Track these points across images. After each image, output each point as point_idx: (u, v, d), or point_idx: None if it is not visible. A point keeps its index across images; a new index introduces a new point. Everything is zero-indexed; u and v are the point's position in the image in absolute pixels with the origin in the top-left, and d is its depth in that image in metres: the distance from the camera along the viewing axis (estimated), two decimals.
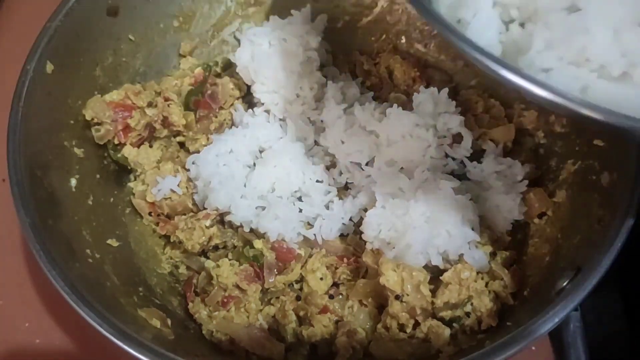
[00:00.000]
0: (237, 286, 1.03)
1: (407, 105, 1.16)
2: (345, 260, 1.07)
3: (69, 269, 0.89)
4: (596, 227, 0.89)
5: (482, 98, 1.20)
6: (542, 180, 1.11)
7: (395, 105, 1.13)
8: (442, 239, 0.99)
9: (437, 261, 0.99)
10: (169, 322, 0.97)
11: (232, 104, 1.23)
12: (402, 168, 1.09)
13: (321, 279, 1.04)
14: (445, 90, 1.15)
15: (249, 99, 1.25)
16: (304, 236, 1.08)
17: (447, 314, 0.96)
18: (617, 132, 0.72)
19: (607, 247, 0.83)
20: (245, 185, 1.13)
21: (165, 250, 1.14)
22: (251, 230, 1.09)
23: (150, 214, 1.14)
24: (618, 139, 0.93)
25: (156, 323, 0.96)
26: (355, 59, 1.29)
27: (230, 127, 1.21)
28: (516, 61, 0.69)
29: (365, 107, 1.15)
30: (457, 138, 1.13)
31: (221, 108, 1.22)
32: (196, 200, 1.14)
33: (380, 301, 1.01)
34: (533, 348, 1.01)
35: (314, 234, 1.08)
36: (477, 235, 1.02)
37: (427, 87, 1.18)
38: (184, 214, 1.12)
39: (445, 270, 0.98)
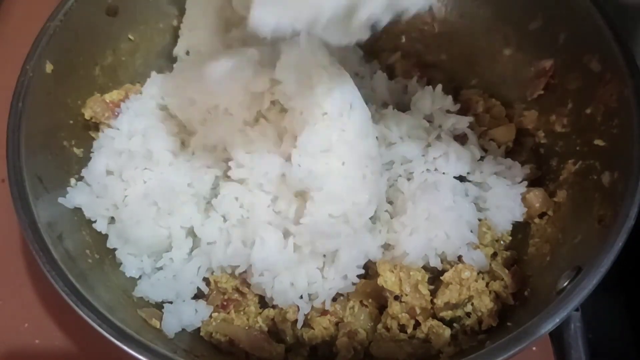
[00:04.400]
0: (237, 289, 1.03)
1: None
2: None
3: (69, 269, 0.88)
4: (597, 227, 0.89)
5: (483, 98, 1.20)
6: (542, 180, 1.10)
7: (390, 107, 1.13)
8: (440, 240, 0.99)
9: (435, 262, 0.99)
10: None
11: None
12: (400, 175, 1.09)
13: None
14: (439, 86, 1.15)
15: None
16: None
17: (447, 314, 0.96)
18: None
19: (608, 247, 0.83)
20: None
21: None
22: None
23: None
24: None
25: (156, 323, 0.96)
26: None
27: None
28: None
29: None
30: (462, 139, 1.13)
31: None
32: None
33: (381, 302, 1.01)
34: (534, 348, 1.01)
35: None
36: (475, 238, 1.02)
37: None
38: None
39: (445, 271, 0.98)
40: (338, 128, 0.93)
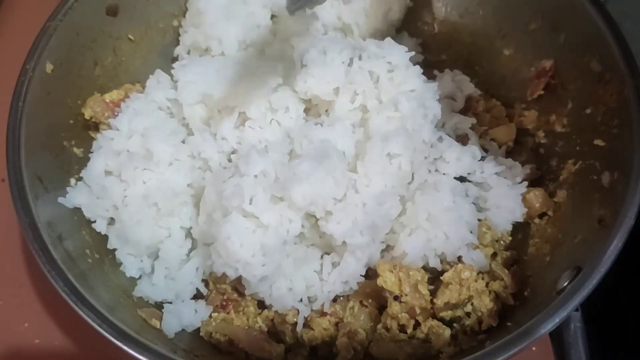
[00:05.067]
0: (236, 289, 1.03)
1: None
2: None
3: (69, 269, 0.88)
4: (597, 227, 0.89)
5: (483, 97, 1.20)
6: (542, 180, 1.10)
7: None
8: (440, 240, 0.98)
9: (434, 263, 0.99)
10: None
11: None
12: None
13: None
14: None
15: None
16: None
17: (447, 314, 0.96)
18: None
19: (607, 247, 0.83)
20: None
21: None
22: None
23: None
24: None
25: (156, 323, 0.96)
26: None
27: None
28: None
29: None
30: (464, 139, 1.13)
31: None
32: None
33: (380, 302, 1.01)
34: (534, 348, 1.01)
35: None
36: (475, 238, 1.02)
37: None
38: None
39: (445, 271, 0.98)
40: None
